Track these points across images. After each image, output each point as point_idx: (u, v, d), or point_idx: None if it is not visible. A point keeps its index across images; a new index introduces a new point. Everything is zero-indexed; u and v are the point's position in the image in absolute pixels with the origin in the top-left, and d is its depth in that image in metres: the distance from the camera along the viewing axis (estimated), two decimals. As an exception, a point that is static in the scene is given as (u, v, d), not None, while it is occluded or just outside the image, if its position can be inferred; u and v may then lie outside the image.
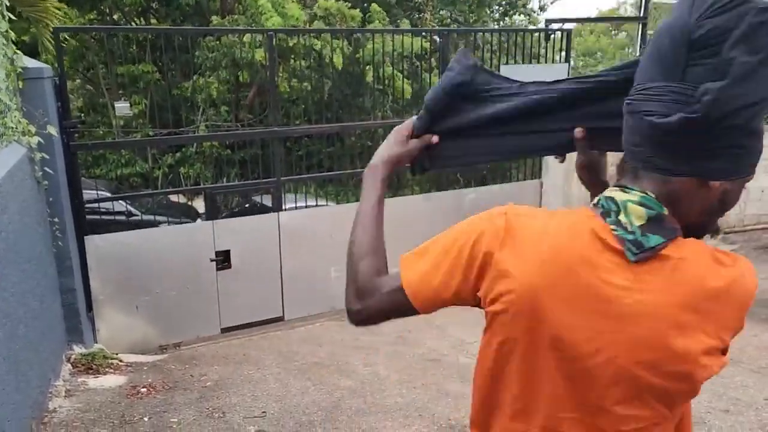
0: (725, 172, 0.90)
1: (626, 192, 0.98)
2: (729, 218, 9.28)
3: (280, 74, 9.50)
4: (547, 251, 0.94)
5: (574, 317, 0.92)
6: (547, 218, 0.99)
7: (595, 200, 1.01)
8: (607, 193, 1.00)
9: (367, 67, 9.47)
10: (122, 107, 5.82)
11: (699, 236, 0.96)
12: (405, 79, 9.42)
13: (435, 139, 1.19)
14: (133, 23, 13.09)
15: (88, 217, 5.43)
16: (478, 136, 1.19)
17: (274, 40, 6.22)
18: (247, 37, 9.22)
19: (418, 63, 9.29)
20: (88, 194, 5.71)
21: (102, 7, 12.19)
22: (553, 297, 0.93)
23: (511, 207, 1.02)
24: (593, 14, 18.03)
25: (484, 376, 1.05)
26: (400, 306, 1.05)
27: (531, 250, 0.95)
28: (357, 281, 1.09)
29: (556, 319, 0.93)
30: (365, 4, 12.42)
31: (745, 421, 3.63)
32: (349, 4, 10.89)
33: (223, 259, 5.83)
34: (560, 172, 7.46)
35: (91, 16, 12.10)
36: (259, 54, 8.96)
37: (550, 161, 7.57)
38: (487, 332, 1.02)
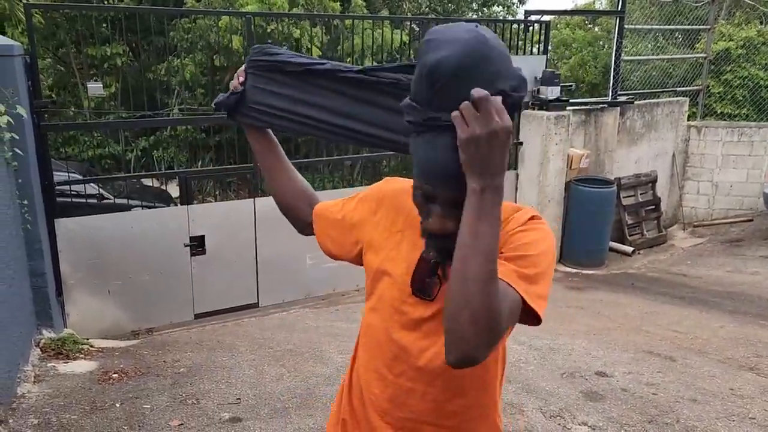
0: None
1: None
2: (698, 212, 9.49)
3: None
4: None
5: None
6: None
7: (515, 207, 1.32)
8: None
9: (348, 60, 9.38)
10: (95, 87, 5.67)
11: None
12: None
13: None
14: (106, 2, 12.78)
15: (58, 199, 5.30)
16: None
17: (252, 24, 6.14)
18: (224, 21, 9.06)
19: (397, 56, 9.24)
20: (58, 176, 5.58)
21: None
22: None
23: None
24: (570, 8, 18.14)
25: None
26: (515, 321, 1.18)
27: None
28: (496, 320, 1.04)
29: None
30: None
31: (712, 410, 3.73)
32: None
33: (197, 245, 5.77)
34: (535, 164, 7.52)
35: (62, -7, 11.75)
36: (236, 40, 8.83)
37: (526, 153, 7.62)
38: None
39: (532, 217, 1.24)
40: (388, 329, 1.36)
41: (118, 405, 3.75)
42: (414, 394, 1.34)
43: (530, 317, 1.16)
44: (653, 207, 8.88)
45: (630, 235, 8.53)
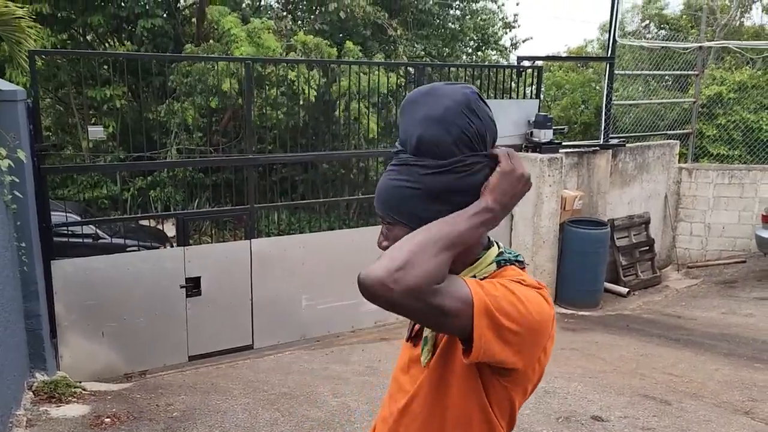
0: None
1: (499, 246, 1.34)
2: (691, 253, 9.55)
3: (254, 100, 9.50)
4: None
5: None
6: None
7: (497, 259, 1.28)
8: (501, 249, 1.31)
9: (340, 102, 9.54)
10: (96, 131, 5.75)
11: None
12: (372, 116, 9.45)
13: None
14: (106, 44, 13.01)
15: (54, 239, 5.33)
16: None
17: (252, 69, 6.27)
18: (222, 64, 9.23)
19: (391, 99, 9.38)
20: (56, 216, 5.62)
21: (75, 28, 12.09)
22: None
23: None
24: (562, 50, 18.57)
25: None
26: (452, 319, 1.11)
27: None
28: (429, 266, 1.07)
29: None
30: (341, 35, 12.58)
31: (708, 455, 3.71)
32: (328, 42, 11.03)
33: (193, 286, 5.77)
34: (530, 205, 7.59)
35: (64, 37, 11.96)
36: (228, 82, 9.01)
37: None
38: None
39: (540, 285, 1.23)
40: (396, 369, 1.44)
41: (110, 450, 3.71)
42: None
43: (466, 325, 1.11)
44: (647, 248, 8.94)
45: (624, 276, 8.57)
